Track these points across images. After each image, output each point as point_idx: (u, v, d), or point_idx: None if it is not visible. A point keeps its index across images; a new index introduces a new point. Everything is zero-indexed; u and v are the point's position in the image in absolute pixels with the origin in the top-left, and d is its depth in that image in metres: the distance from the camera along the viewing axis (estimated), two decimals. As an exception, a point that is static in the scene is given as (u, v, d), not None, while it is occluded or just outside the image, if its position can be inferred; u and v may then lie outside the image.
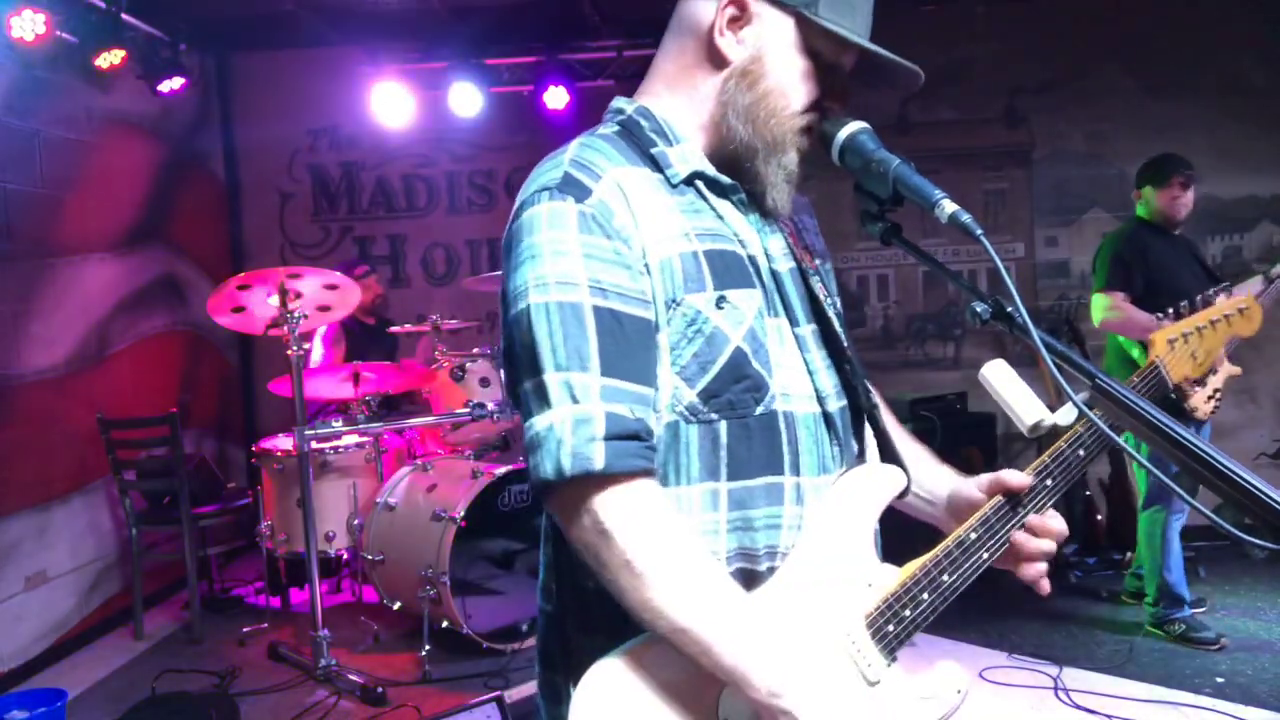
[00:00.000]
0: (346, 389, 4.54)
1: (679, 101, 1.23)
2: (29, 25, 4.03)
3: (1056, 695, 3.51)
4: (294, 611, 4.75)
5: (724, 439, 1.13)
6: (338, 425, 4.28)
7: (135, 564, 4.57)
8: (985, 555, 1.22)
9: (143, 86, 4.97)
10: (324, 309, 4.18)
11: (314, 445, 4.23)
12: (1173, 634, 3.96)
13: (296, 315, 3.90)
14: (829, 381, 1.23)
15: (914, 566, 1.20)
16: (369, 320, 5.33)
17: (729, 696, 1.10)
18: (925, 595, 1.18)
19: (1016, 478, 1.23)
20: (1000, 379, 1.14)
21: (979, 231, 1.05)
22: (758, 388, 1.14)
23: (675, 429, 1.13)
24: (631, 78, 5.75)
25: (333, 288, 4.10)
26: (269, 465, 4.54)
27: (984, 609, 4.27)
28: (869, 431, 1.31)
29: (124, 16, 4.58)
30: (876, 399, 1.35)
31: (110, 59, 4.59)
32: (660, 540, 1.06)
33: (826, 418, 1.21)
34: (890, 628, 1.16)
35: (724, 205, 1.21)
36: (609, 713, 1.07)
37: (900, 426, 1.44)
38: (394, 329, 5.09)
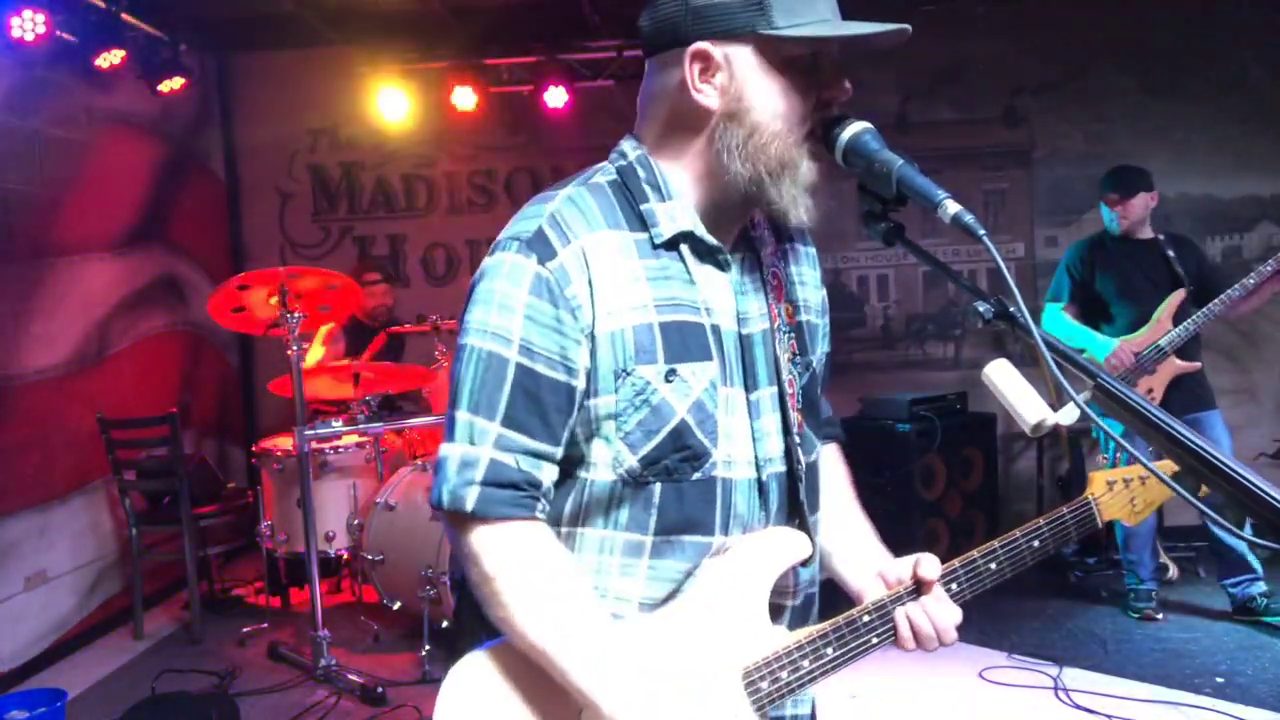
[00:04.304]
0: (346, 389, 4.54)
1: (672, 159, 1.24)
2: (29, 25, 4.02)
3: (1056, 695, 3.51)
4: (294, 611, 4.75)
5: (656, 500, 1.20)
6: (338, 425, 4.28)
7: (135, 564, 4.57)
8: (874, 640, 1.25)
9: (143, 86, 4.97)
10: (324, 309, 4.18)
11: (314, 445, 4.23)
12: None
13: (296, 315, 3.90)
14: (774, 447, 1.27)
15: (802, 634, 1.24)
16: (370, 323, 5.31)
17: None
18: (806, 662, 1.22)
19: (928, 569, 1.26)
20: (1003, 378, 1.14)
21: (982, 232, 1.05)
22: (697, 457, 1.20)
23: (613, 487, 1.20)
24: (631, 78, 5.74)
25: (333, 288, 4.10)
26: (269, 465, 4.53)
27: (984, 609, 4.26)
28: (817, 491, 1.36)
29: (124, 16, 4.58)
30: (829, 464, 1.45)
31: (110, 59, 4.58)
32: (521, 571, 1.15)
33: (760, 484, 1.26)
34: (764, 685, 1.21)
35: (703, 270, 1.23)
36: (473, 703, 1.17)
37: (852, 497, 1.47)
38: (394, 329, 5.09)
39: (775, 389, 1.27)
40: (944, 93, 5.79)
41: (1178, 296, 4.05)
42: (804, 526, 1.29)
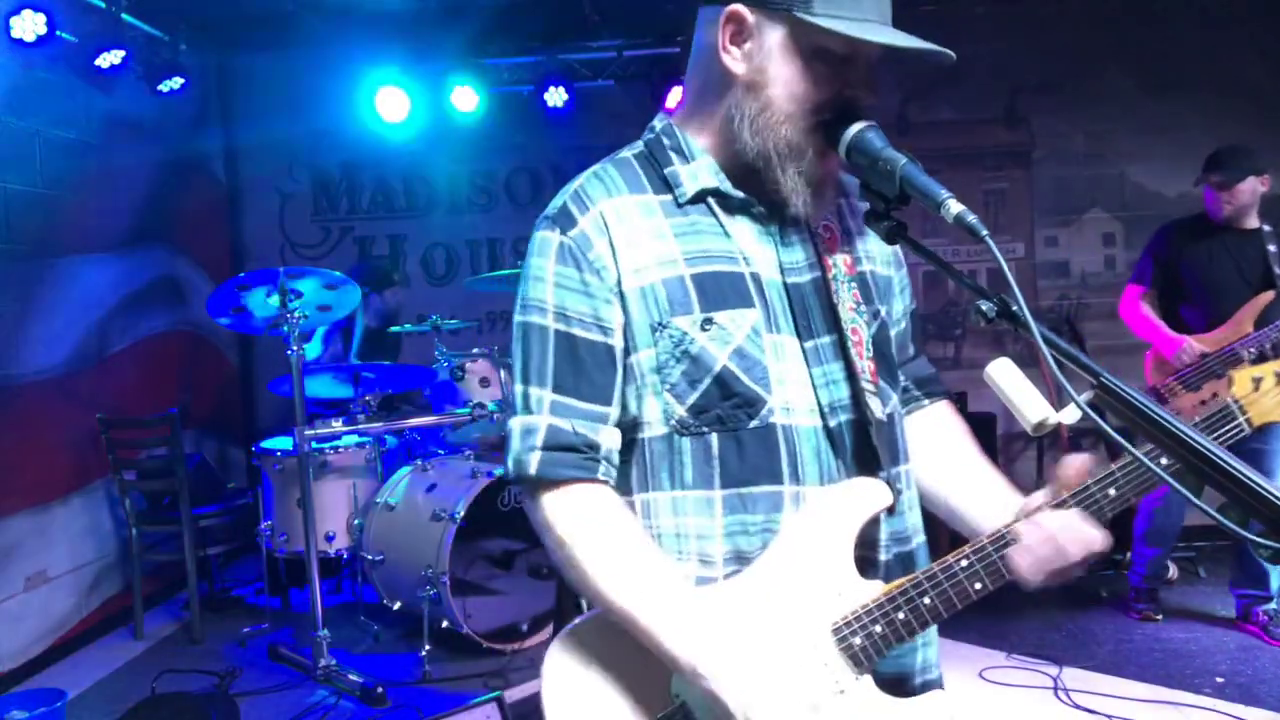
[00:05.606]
0: (346, 389, 4.53)
1: (700, 119, 1.27)
2: (29, 25, 4.03)
3: (1056, 695, 3.51)
4: (294, 611, 4.75)
5: (715, 451, 1.20)
6: (338, 425, 4.27)
7: (135, 564, 4.56)
8: (977, 585, 1.20)
9: (143, 86, 4.97)
10: (324, 309, 4.17)
11: (314, 445, 4.23)
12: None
13: (296, 315, 3.90)
14: (840, 394, 1.24)
15: (894, 585, 1.20)
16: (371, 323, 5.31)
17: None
18: (900, 614, 1.18)
19: (1035, 500, 1.21)
20: (1005, 377, 1.13)
21: (985, 232, 1.05)
22: (750, 404, 1.20)
23: (670, 440, 1.22)
24: (631, 78, 5.74)
25: (332, 288, 4.10)
26: (269, 465, 4.53)
27: (984, 609, 4.23)
28: (900, 441, 1.32)
29: (124, 16, 4.59)
30: (943, 420, 1.45)
31: (110, 59, 4.59)
32: (591, 532, 1.19)
33: (829, 432, 1.23)
34: (857, 640, 1.18)
35: (736, 222, 1.24)
36: (574, 678, 1.20)
37: (974, 449, 1.41)
38: (394, 328, 5.09)
39: (835, 336, 1.25)
40: (944, 93, 5.79)
41: (1265, 297, 3.68)
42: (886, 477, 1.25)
